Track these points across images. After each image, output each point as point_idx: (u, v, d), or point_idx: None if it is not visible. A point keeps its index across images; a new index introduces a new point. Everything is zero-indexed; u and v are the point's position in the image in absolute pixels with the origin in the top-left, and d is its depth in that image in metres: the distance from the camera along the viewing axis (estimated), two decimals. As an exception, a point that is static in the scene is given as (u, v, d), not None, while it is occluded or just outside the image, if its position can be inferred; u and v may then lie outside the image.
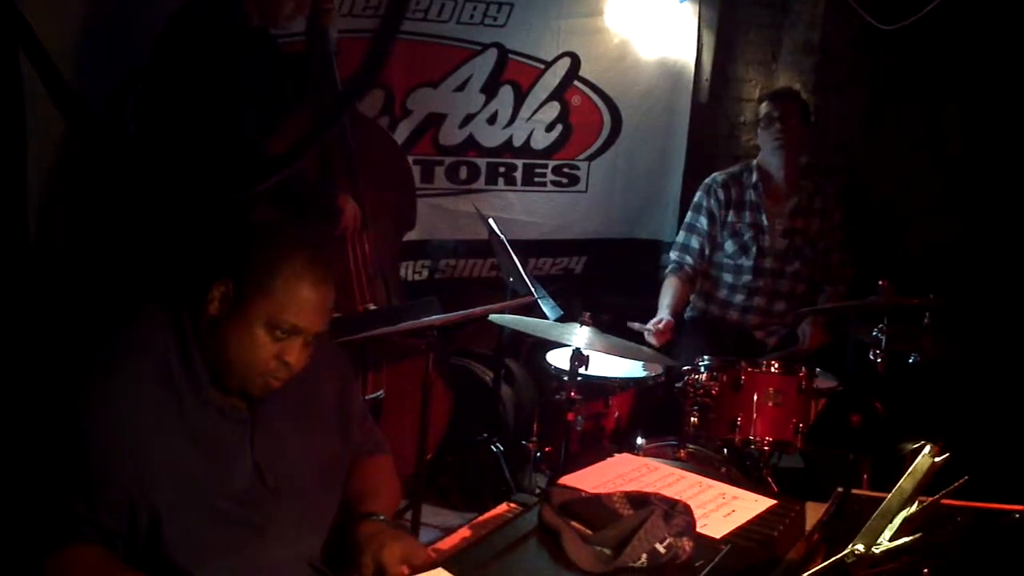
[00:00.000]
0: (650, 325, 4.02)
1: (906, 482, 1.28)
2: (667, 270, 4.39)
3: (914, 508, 1.28)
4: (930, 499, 1.35)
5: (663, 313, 4.11)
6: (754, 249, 4.21)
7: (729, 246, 4.24)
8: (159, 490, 1.75)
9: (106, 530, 1.74)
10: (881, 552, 1.22)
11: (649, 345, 3.92)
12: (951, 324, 3.69)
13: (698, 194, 4.36)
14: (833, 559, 1.21)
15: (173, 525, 1.76)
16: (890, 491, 1.36)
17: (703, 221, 4.28)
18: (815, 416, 3.62)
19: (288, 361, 1.84)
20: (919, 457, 1.28)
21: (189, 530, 1.78)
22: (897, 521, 1.25)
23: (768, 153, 4.27)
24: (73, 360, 1.88)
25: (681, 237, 4.37)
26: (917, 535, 1.24)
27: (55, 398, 1.81)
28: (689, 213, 4.38)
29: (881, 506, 1.27)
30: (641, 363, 3.87)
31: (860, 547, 1.22)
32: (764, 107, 4.33)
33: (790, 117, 4.20)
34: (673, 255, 4.38)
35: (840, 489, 1.62)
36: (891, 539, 1.23)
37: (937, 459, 1.27)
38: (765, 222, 4.22)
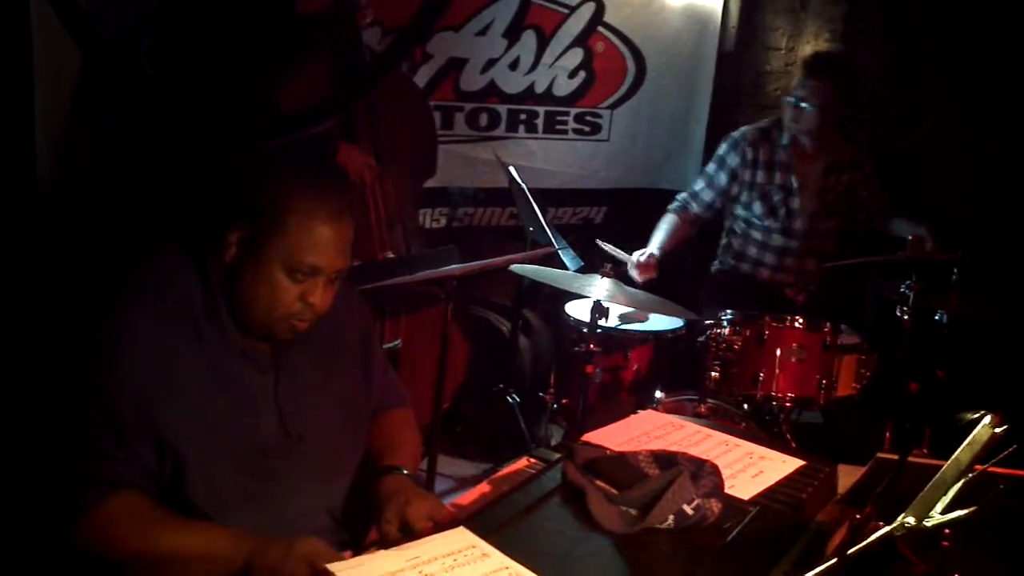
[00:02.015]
0: (634, 256, 3.87)
1: (963, 453, 1.22)
2: (670, 207, 4.19)
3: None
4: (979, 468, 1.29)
5: (652, 247, 3.95)
6: (783, 211, 4.04)
7: (757, 207, 4.06)
8: (183, 431, 1.70)
9: (141, 466, 1.69)
10: (933, 526, 1.17)
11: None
12: (979, 281, 3.61)
13: (723, 147, 4.14)
14: (881, 532, 1.16)
15: (196, 469, 1.71)
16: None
17: (722, 177, 4.09)
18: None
19: (312, 302, 1.79)
20: (978, 427, 1.22)
21: (211, 476, 1.74)
22: (951, 494, 1.20)
23: (794, 131, 3.99)
24: (90, 296, 1.80)
25: (696, 184, 4.19)
26: (972, 508, 1.19)
27: (70, 336, 1.74)
28: (711, 164, 4.17)
29: (935, 478, 1.21)
30: (662, 316, 3.80)
31: (911, 520, 1.16)
32: (798, 83, 3.98)
33: (825, 103, 3.87)
34: (681, 196, 4.21)
35: (884, 455, 1.56)
36: (943, 512, 1.18)
37: (997, 430, 1.22)
38: (795, 184, 4.02)
